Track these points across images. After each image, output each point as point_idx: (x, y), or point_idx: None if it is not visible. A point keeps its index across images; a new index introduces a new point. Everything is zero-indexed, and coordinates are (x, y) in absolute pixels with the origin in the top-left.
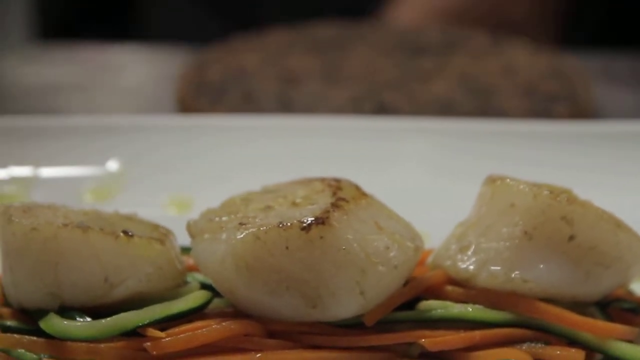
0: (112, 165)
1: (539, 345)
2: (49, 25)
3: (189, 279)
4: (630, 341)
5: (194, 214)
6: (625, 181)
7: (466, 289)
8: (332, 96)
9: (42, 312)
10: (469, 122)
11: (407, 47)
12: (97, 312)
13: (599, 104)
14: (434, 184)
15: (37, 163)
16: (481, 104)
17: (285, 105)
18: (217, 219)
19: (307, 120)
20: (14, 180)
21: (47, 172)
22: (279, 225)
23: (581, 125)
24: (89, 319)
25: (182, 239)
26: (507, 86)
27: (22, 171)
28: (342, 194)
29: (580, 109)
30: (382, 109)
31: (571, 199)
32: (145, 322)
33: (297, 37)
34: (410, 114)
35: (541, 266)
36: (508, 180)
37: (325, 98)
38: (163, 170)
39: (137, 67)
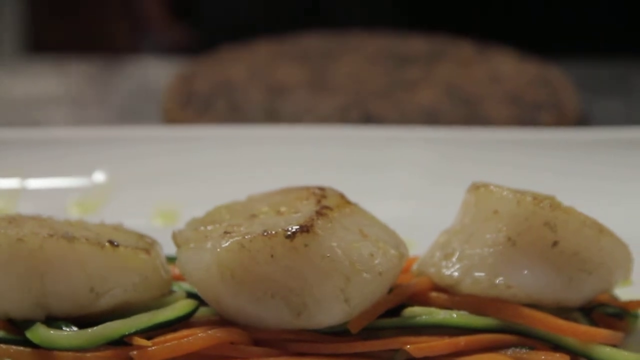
0: (99, 176)
1: (524, 350)
2: (36, 38)
3: (174, 288)
4: (614, 345)
5: (180, 225)
6: (609, 187)
7: (451, 295)
8: (319, 106)
9: (29, 322)
10: (455, 131)
11: (393, 56)
12: (84, 321)
13: (584, 111)
14: (419, 192)
15: (23, 175)
16: (467, 112)
17: (272, 115)
18: (202, 228)
19: (293, 130)
20: None
21: (33, 183)
22: (263, 234)
23: (566, 133)
24: (75, 329)
25: (168, 249)
26: (493, 95)
27: (8, 183)
28: (326, 202)
29: (565, 117)
30: (368, 118)
31: (554, 205)
32: (132, 331)
33: (284, 47)
34: (396, 123)
35: (525, 272)
36: (492, 187)
37: (312, 108)
38: (149, 181)
39: (124, 79)
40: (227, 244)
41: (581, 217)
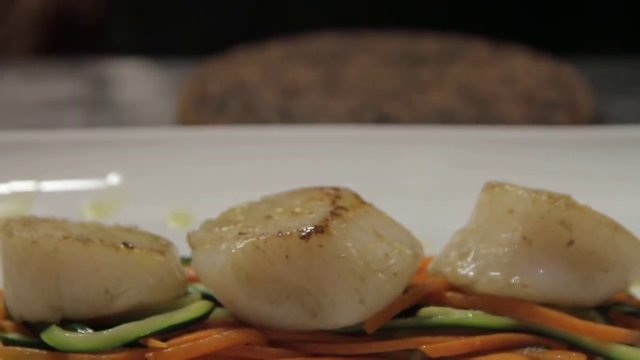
0: (113, 178)
1: (540, 349)
2: (49, 40)
3: (190, 289)
4: (631, 344)
5: (195, 226)
6: (623, 186)
7: (466, 294)
8: (332, 107)
9: (44, 325)
10: (469, 131)
11: (406, 57)
12: (99, 323)
13: (598, 110)
14: (433, 192)
15: (38, 177)
16: (481, 112)
17: (286, 116)
18: (216, 229)
19: (307, 131)
20: (14, 195)
21: (47, 186)
22: (278, 235)
23: (580, 132)
24: (90, 331)
25: (183, 250)
26: (507, 94)
27: (22, 186)
28: (341, 203)
29: (579, 116)
30: (382, 119)
31: (570, 203)
32: (147, 333)
33: (297, 48)
34: (410, 124)
35: (540, 271)
36: (506, 186)
37: (325, 109)
38: (164, 183)
39: (137, 81)
40: (241, 245)
41: (597, 215)
